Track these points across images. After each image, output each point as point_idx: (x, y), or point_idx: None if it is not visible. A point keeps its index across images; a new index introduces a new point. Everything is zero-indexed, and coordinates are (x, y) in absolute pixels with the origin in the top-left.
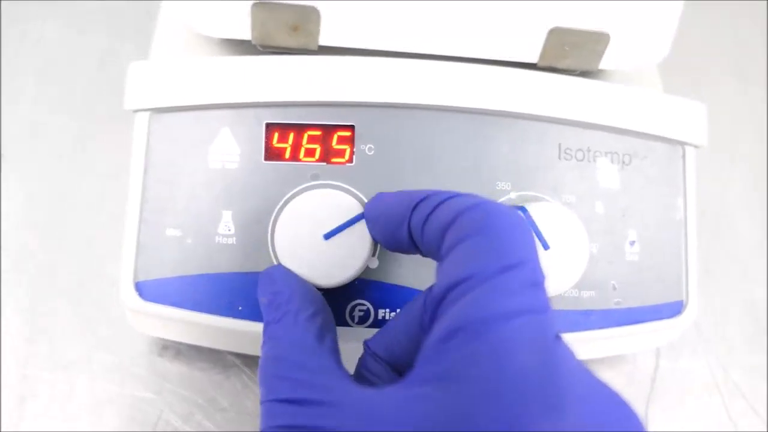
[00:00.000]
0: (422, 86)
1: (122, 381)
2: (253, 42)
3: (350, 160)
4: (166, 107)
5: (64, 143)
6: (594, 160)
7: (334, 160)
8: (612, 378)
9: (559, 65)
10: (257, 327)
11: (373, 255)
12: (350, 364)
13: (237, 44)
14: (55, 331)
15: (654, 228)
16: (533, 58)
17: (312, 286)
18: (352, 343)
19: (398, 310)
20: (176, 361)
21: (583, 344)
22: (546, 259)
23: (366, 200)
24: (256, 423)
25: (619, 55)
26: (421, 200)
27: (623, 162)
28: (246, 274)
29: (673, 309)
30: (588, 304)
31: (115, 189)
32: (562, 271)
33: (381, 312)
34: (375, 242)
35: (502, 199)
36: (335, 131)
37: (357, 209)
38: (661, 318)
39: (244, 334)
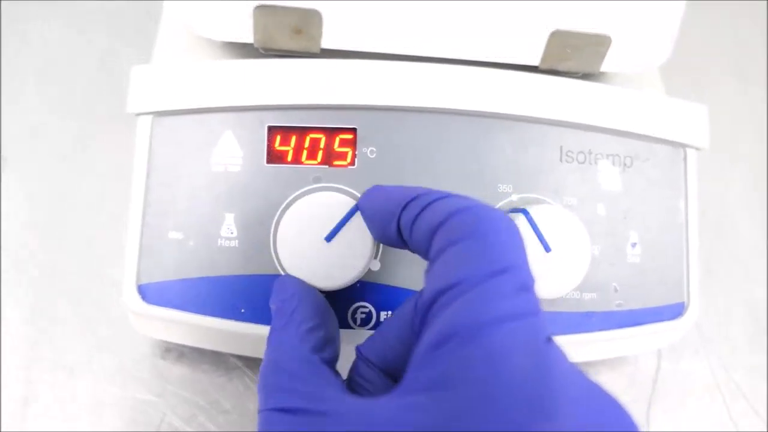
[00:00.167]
0: (424, 89)
1: (124, 383)
2: (256, 45)
3: (352, 163)
4: (169, 110)
5: (65, 144)
6: (595, 163)
7: (336, 163)
8: (613, 379)
9: (561, 68)
10: (259, 329)
11: (375, 257)
12: None
13: (239, 47)
14: (55, 332)
15: (655, 230)
16: (535, 61)
17: (322, 298)
18: (353, 346)
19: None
20: (179, 363)
21: (584, 346)
22: (548, 262)
23: None
24: None
25: (620, 58)
26: (411, 200)
27: (625, 164)
28: (248, 276)
29: (675, 311)
30: (590, 306)
31: (116, 189)
32: (564, 273)
33: (383, 314)
34: (377, 244)
35: (503, 202)
36: (337, 134)
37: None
38: (662, 320)
39: (247, 336)
